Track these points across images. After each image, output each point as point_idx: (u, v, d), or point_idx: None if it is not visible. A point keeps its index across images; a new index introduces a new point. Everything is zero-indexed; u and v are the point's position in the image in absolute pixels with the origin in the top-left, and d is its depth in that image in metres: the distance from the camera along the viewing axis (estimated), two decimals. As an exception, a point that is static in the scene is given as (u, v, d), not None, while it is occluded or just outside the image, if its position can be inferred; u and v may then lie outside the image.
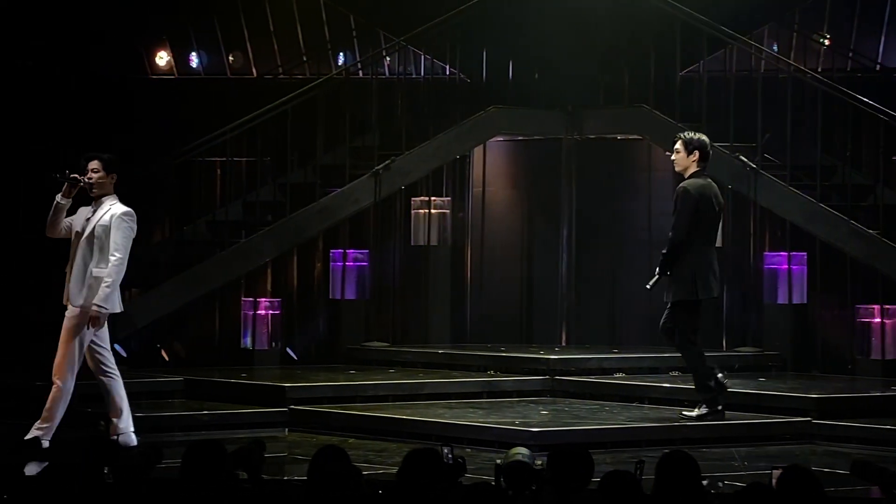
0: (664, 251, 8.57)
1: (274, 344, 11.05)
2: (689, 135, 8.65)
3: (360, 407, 9.18)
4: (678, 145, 8.62)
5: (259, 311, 11.00)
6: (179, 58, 12.37)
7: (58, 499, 4.38)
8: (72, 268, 7.74)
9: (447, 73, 11.73)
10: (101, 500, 4.42)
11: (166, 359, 11.02)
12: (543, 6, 11.53)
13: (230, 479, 4.57)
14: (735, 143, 10.87)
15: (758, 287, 10.94)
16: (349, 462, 4.79)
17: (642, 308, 11.79)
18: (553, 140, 11.57)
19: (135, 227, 7.80)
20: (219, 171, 11.64)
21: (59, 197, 7.73)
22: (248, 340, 10.97)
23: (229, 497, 4.44)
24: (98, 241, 7.70)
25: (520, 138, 11.76)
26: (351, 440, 8.37)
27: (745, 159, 10.71)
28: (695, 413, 8.52)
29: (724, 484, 6.91)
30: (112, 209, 7.77)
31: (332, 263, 11.28)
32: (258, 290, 11.18)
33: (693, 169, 8.60)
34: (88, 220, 7.77)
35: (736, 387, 9.62)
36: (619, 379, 10.02)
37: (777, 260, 10.85)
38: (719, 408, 8.51)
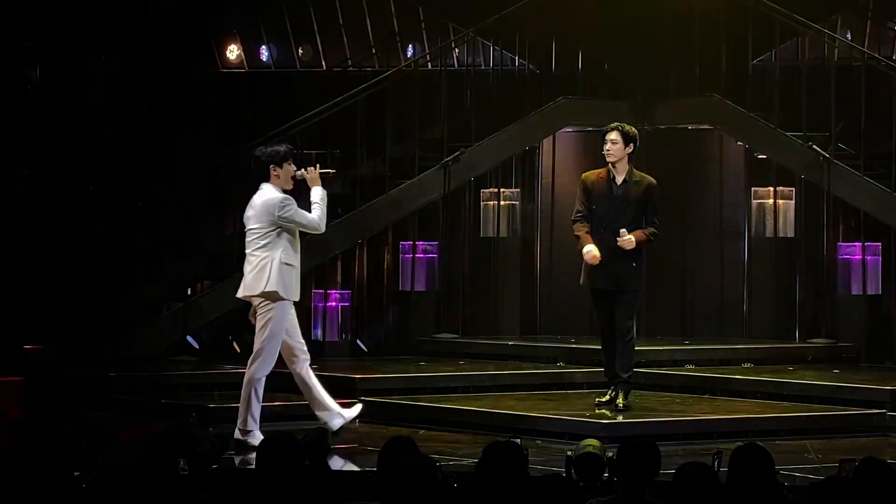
0: (653, 237, 8.49)
1: (344, 336, 11.12)
2: (626, 127, 8.57)
3: (430, 398, 9.20)
4: (615, 136, 8.49)
5: (329, 304, 11.07)
6: (249, 51, 12.46)
7: (134, 491, 4.44)
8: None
9: (516, 64, 11.71)
10: (177, 492, 4.47)
11: (237, 350, 11.12)
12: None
13: (304, 470, 4.61)
14: (808, 133, 10.75)
15: (831, 278, 10.82)
16: (418, 453, 4.81)
17: (713, 299, 11.73)
18: (623, 131, 11.50)
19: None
20: (289, 164, 11.70)
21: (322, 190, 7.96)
22: (319, 332, 11.04)
23: (303, 488, 4.48)
24: None
25: (589, 129, 11.72)
26: (421, 431, 8.39)
27: (819, 149, 10.59)
28: (621, 402, 8.51)
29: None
30: None
31: (401, 255, 11.31)
32: (328, 283, 11.25)
33: (626, 161, 8.52)
34: None
35: (809, 378, 9.54)
36: (689, 370, 9.97)
37: (851, 250, 10.72)
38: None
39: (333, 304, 11.10)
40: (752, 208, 11.21)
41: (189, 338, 10.65)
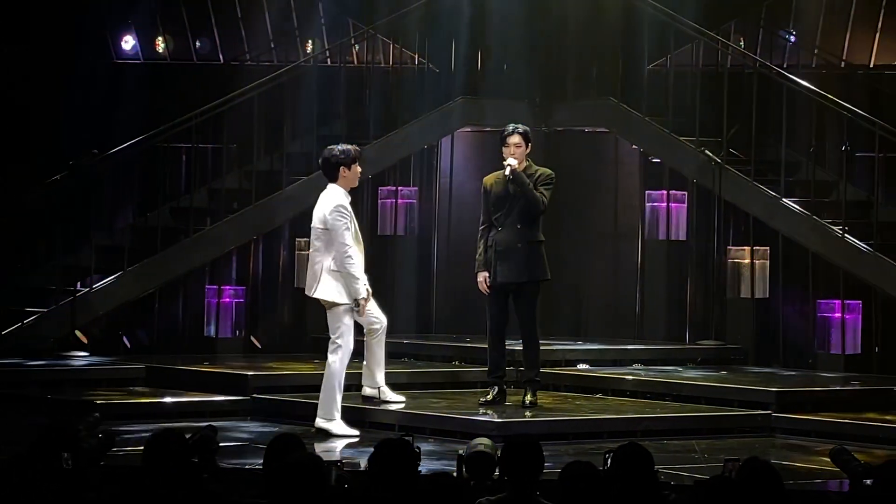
0: (534, 194, 8.48)
1: (238, 332, 11.02)
2: (524, 128, 8.67)
3: (323, 396, 9.14)
4: (518, 139, 8.58)
5: (223, 299, 10.97)
6: (145, 43, 12.29)
7: (16, 484, 4.36)
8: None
9: (416, 62, 11.72)
10: (60, 486, 4.40)
11: (128, 346, 10.97)
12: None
13: (191, 468, 4.56)
14: (700, 138, 10.92)
15: (721, 281, 11.01)
16: (305, 450, 4.79)
17: (607, 300, 11.86)
18: (520, 132, 11.56)
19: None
20: (184, 158, 11.58)
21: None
22: (212, 328, 10.93)
23: (190, 485, 4.44)
24: None
25: (488, 129, 11.77)
26: (314, 429, 8.35)
27: (711, 154, 10.77)
28: (528, 400, 8.65)
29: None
30: None
31: (297, 251, 11.24)
32: (223, 278, 11.14)
33: (524, 160, 8.63)
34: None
35: (697, 380, 9.70)
36: (581, 370, 10.06)
37: (740, 254, 10.91)
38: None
39: (227, 300, 10.99)
40: (645, 211, 11.36)
41: (77, 332, 10.47)
